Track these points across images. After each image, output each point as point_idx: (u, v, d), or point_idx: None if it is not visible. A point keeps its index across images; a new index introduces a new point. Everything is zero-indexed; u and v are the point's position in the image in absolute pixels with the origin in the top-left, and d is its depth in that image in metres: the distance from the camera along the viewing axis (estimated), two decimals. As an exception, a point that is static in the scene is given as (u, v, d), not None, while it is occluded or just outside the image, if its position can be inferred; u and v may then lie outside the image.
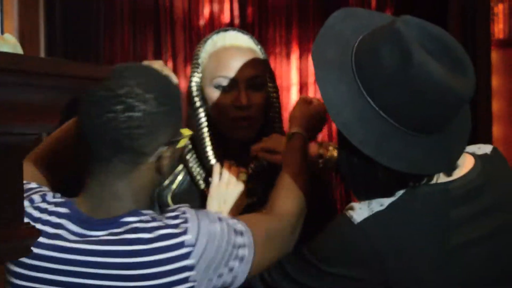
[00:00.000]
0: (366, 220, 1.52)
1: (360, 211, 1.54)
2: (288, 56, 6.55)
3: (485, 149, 1.71)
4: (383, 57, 1.45)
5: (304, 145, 1.90)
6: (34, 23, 5.42)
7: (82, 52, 6.00)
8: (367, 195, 1.56)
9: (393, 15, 1.72)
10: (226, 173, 2.02)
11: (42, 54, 5.50)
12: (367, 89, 1.48)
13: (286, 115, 6.13)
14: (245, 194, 2.04)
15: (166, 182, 2.13)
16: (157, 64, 1.97)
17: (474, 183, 1.59)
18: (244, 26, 6.28)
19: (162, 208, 2.10)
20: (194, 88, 2.12)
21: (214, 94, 2.06)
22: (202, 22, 6.37)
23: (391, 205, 1.53)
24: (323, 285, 1.59)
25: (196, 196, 2.13)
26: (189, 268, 1.48)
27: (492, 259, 1.58)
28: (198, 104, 2.11)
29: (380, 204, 1.53)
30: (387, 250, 1.50)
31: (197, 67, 2.12)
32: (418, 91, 1.42)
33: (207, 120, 2.10)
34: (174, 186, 2.14)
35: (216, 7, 6.36)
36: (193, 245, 1.47)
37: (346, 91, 1.50)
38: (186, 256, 1.47)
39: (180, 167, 2.17)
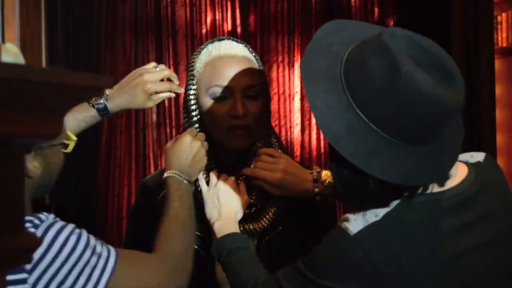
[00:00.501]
0: (361, 231, 1.51)
1: (355, 222, 1.53)
2: (290, 64, 6.57)
3: (477, 157, 1.71)
4: (371, 70, 1.45)
5: (179, 187, 1.94)
6: (36, 32, 5.43)
7: (83, 61, 6.01)
8: (361, 207, 1.56)
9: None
10: (213, 178, 2.03)
11: (44, 63, 5.51)
12: (356, 101, 1.48)
13: (288, 123, 6.13)
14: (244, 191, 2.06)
15: (163, 193, 2.13)
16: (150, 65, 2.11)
17: (467, 193, 1.59)
18: (246, 35, 6.30)
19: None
20: (190, 97, 2.12)
21: (209, 104, 2.06)
22: (204, 30, 6.39)
23: (386, 215, 1.53)
24: None
25: (195, 205, 2.13)
26: (24, 270, 1.49)
27: (489, 268, 1.58)
28: (194, 113, 2.11)
29: (375, 215, 1.53)
30: (384, 261, 1.50)
31: (193, 78, 2.12)
32: (407, 103, 1.42)
33: (203, 129, 2.10)
34: None
35: (218, 16, 6.38)
36: None
37: (335, 103, 1.49)
38: None
39: None
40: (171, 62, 6.36)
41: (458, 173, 1.62)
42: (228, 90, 2.03)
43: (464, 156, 1.70)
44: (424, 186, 1.55)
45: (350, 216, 1.55)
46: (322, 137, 6.50)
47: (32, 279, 1.51)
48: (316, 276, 1.57)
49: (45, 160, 1.65)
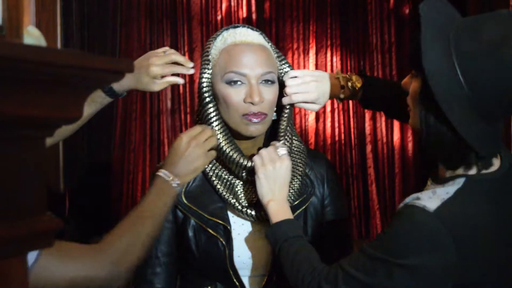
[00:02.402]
0: (440, 207, 1.59)
1: (430, 200, 1.61)
2: (305, 51, 6.56)
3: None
4: (484, 31, 1.57)
5: (160, 185, 1.97)
6: (51, 18, 5.43)
7: (98, 47, 6.03)
8: (434, 157, 1.72)
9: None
10: (265, 152, 2.05)
11: (59, 48, 5.52)
12: (458, 53, 1.59)
13: (303, 111, 6.13)
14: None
15: None
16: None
17: (506, 178, 1.70)
18: (261, 22, 6.29)
19: (176, 206, 2.13)
20: (204, 84, 2.12)
21: (225, 90, 2.06)
22: (219, 17, 6.38)
23: (457, 191, 1.63)
24: (393, 281, 1.63)
25: (209, 192, 2.13)
26: None
27: None
28: (208, 99, 2.12)
29: (446, 192, 1.62)
30: (462, 234, 1.57)
31: (208, 63, 2.12)
32: (504, 74, 1.54)
33: (218, 116, 2.11)
34: (186, 185, 2.15)
35: (233, 2, 6.38)
36: None
37: (439, 46, 1.61)
38: None
39: None
40: (185, 49, 6.36)
41: (496, 160, 1.73)
42: (243, 77, 2.03)
43: None
44: (486, 162, 1.68)
45: (421, 195, 1.63)
46: (336, 125, 6.49)
47: None
48: (394, 256, 1.62)
49: None
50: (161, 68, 2.12)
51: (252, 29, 2.15)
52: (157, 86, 2.13)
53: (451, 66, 1.58)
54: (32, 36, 1.02)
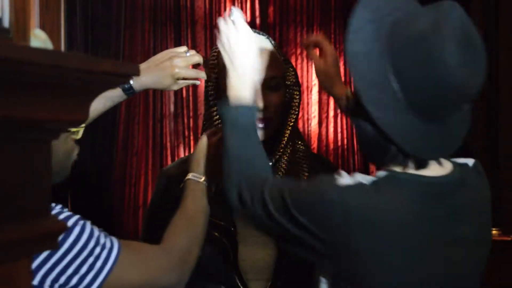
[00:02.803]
0: (348, 186, 1.54)
1: (346, 177, 1.57)
2: (308, 56, 6.54)
3: (466, 161, 1.73)
4: (418, 21, 1.52)
5: (194, 187, 1.95)
6: (55, 21, 5.44)
7: (102, 50, 6.03)
8: (366, 154, 1.70)
9: None
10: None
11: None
12: (390, 40, 1.54)
13: (305, 115, 6.13)
14: None
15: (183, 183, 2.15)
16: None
17: (450, 187, 1.62)
18: (265, 26, 6.30)
19: None
20: (210, 88, 2.12)
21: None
22: (222, 21, 6.37)
23: (374, 183, 1.56)
24: (291, 228, 1.60)
25: (216, 194, 2.13)
26: None
27: (449, 265, 1.60)
28: (212, 103, 2.12)
29: (365, 179, 1.56)
30: (359, 221, 1.52)
31: (214, 68, 2.12)
32: (429, 64, 1.48)
33: None
34: None
35: (237, 7, 6.36)
36: None
37: (371, 29, 1.57)
38: None
39: None
40: (189, 52, 6.36)
41: (445, 166, 1.65)
42: None
43: (454, 159, 1.72)
44: (405, 160, 1.59)
45: (344, 173, 1.59)
46: (339, 130, 6.49)
47: (34, 265, 1.53)
48: (298, 211, 1.58)
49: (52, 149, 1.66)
50: (185, 71, 2.08)
51: (258, 33, 2.15)
52: (177, 86, 2.12)
53: (380, 54, 1.54)
54: (39, 39, 1.02)
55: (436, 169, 1.62)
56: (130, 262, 1.66)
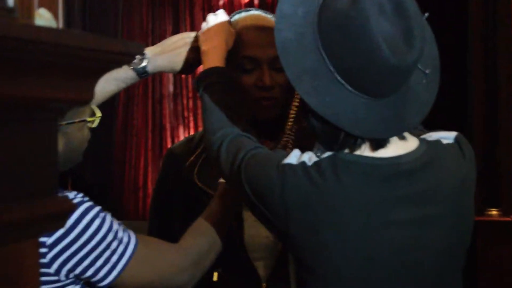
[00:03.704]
0: (290, 165, 1.50)
1: (292, 156, 1.52)
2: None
3: (441, 135, 1.64)
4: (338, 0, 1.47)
5: (224, 191, 1.94)
6: (53, 2, 5.42)
7: (100, 33, 6.01)
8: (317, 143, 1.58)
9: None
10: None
11: (62, 33, 5.52)
12: (319, 20, 1.49)
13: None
14: None
15: (190, 160, 2.15)
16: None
17: (406, 166, 1.53)
18: (263, 6, 6.28)
19: (187, 186, 2.13)
20: None
21: (236, 75, 2.06)
22: (221, 2, 6.37)
23: (315, 163, 1.50)
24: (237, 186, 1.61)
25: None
26: (44, 244, 1.55)
27: (406, 248, 1.53)
28: None
29: (309, 158, 1.51)
30: (295, 202, 1.49)
31: None
32: (354, 38, 1.43)
33: None
34: (198, 163, 2.15)
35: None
36: None
37: (301, 15, 1.51)
38: None
39: (202, 146, 2.18)
40: (188, 34, 6.35)
41: (404, 146, 1.56)
42: (255, 61, 2.03)
43: (431, 134, 1.63)
44: (350, 144, 1.51)
45: (295, 150, 1.54)
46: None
47: (51, 254, 1.56)
48: (245, 179, 1.57)
49: (66, 136, 1.69)
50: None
51: (265, 12, 2.14)
52: (190, 71, 2.13)
53: (312, 38, 1.49)
54: (44, 18, 1.01)
55: (395, 150, 1.54)
56: (145, 259, 1.68)
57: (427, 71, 1.52)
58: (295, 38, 1.50)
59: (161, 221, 2.23)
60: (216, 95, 1.81)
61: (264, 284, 2.08)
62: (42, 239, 1.53)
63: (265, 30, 2.06)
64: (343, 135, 1.49)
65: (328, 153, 1.51)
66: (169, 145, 6.38)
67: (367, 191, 1.50)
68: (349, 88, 1.47)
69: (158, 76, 6.23)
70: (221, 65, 1.90)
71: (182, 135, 6.27)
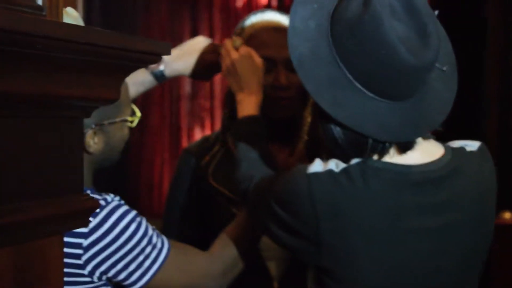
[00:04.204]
0: (316, 173, 1.48)
1: (316, 164, 1.51)
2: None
3: (467, 144, 1.63)
4: (351, 3, 1.45)
5: None
6: (73, 1, 5.44)
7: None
8: (332, 154, 1.54)
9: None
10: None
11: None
12: (332, 31, 1.47)
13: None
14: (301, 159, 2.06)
15: (205, 159, 2.17)
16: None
17: (434, 174, 1.52)
18: (282, 8, 6.27)
19: (202, 185, 2.14)
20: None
21: None
22: (239, 3, 6.36)
23: (344, 170, 1.48)
24: (271, 221, 1.58)
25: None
26: (80, 246, 1.56)
27: (430, 256, 1.53)
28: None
29: (336, 165, 1.49)
30: (325, 211, 1.47)
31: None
32: (369, 43, 1.41)
33: None
34: (214, 163, 2.16)
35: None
36: (91, 228, 1.56)
37: (314, 28, 1.49)
38: (81, 234, 1.56)
39: (219, 144, 2.19)
40: (206, 34, 6.35)
41: (431, 153, 1.56)
42: (271, 61, 2.03)
43: (455, 143, 1.62)
44: (383, 149, 1.49)
45: (317, 160, 1.53)
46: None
47: (86, 256, 1.57)
48: (273, 198, 1.56)
49: (107, 135, 1.71)
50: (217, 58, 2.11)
51: (280, 13, 2.15)
52: (208, 76, 2.15)
53: (327, 49, 1.47)
54: (71, 17, 1.02)
55: (422, 157, 1.54)
56: (177, 265, 1.69)
57: (444, 68, 1.51)
58: (310, 52, 1.48)
59: (175, 220, 2.23)
60: (251, 144, 1.84)
61: (276, 284, 2.08)
62: (78, 241, 1.55)
63: (280, 31, 2.06)
64: (370, 142, 1.48)
65: (356, 160, 1.50)
66: (184, 145, 6.39)
67: (395, 198, 1.50)
68: (371, 94, 1.46)
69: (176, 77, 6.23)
70: (256, 112, 1.92)
71: (198, 135, 6.27)
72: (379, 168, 1.49)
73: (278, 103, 2.05)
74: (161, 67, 2.00)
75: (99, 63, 0.94)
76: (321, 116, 1.51)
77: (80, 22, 1.04)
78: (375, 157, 1.50)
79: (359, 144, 1.48)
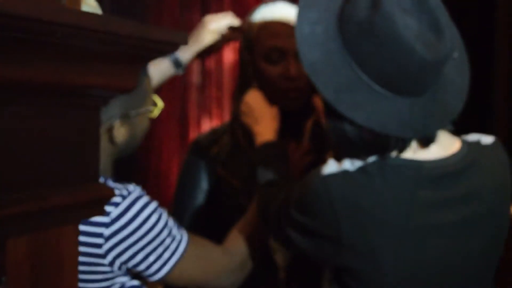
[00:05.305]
0: (332, 174, 1.48)
1: (330, 165, 1.50)
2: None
3: (482, 138, 1.63)
4: (358, 4, 1.43)
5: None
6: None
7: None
8: (342, 154, 1.54)
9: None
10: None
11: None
12: (342, 33, 1.46)
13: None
14: (304, 153, 2.06)
15: (215, 150, 2.17)
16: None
17: (452, 168, 1.52)
18: (290, 1, 6.26)
19: (211, 176, 2.15)
20: (245, 60, 2.12)
21: (263, 66, 2.06)
22: (249, -6, 6.35)
23: (360, 168, 1.48)
24: (291, 229, 1.58)
25: (244, 164, 2.14)
26: (102, 235, 1.56)
27: (449, 250, 1.53)
28: (251, 76, 2.12)
29: (352, 164, 1.49)
30: (344, 210, 1.47)
31: (247, 40, 2.13)
32: (382, 41, 1.40)
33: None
34: (223, 154, 2.17)
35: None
36: (113, 218, 1.56)
37: (321, 33, 1.48)
38: (102, 224, 1.56)
39: (228, 136, 2.19)
40: (215, 25, 6.34)
41: (449, 147, 1.56)
42: (281, 52, 2.03)
43: (470, 136, 1.62)
44: (401, 147, 1.49)
45: (331, 160, 1.53)
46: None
47: (107, 245, 1.57)
48: (292, 206, 1.57)
49: (132, 126, 1.71)
50: (218, 22, 2.18)
51: (291, 4, 2.14)
52: (216, 39, 2.17)
53: (339, 52, 1.46)
54: (90, 5, 1.02)
55: (440, 151, 1.53)
56: (195, 258, 1.70)
57: (454, 56, 1.50)
58: (322, 58, 1.47)
59: (185, 210, 2.24)
60: (270, 167, 1.86)
61: (282, 274, 2.09)
62: (100, 230, 1.55)
63: (291, 22, 2.06)
64: (393, 141, 1.47)
65: (372, 158, 1.49)
66: (193, 136, 6.39)
67: (415, 193, 1.49)
68: (389, 93, 1.45)
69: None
70: (275, 138, 1.94)
71: (206, 126, 6.27)
72: (398, 165, 1.49)
73: (287, 95, 2.05)
74: (175, 54, 2.06)
75: (118, 52, 0.94)
76: (333, 118, 1.50)
77: (98, 11, 1.04)
78: (394, 154, 1.49)
79: (379, 144, 1.48)
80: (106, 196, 1.02)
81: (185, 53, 2.12)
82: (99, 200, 1.01)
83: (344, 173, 1.48)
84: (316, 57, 1.47)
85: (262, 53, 2.05)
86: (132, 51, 0.96)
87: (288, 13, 2.10)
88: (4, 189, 0.85)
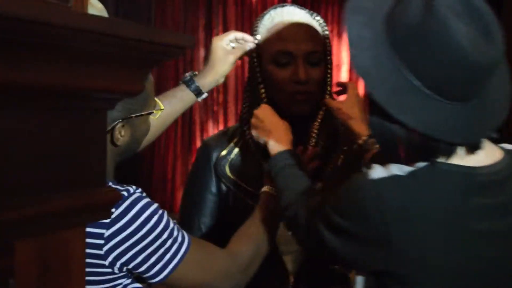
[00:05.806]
0: (381, 179, 1.48)
1: (379, 169, 1.50)
2: (339, 35, 6.53)
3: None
4: (408, 7, 1.43)
5: (275, 205, 1.93)
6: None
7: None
8: (389, 159, 1.53)
9: None
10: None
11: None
12: (391, 37, 1.47)
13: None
14: (312, 157, 2.06)
15: (223, 153, 2.17)
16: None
17: (498, 176, 1.53)
18: (296, 4, 6.26)
19: (220, 178, 2.15)
20: (254, 63, 2.13)
21: (272, 69, 2.06)
22: (254, -3, 6.36)
23: (411, 174, 1.48)
24: (330, 234, 1.58)
25: (253, 166, 2.14)
26: (102, 236, 1.56)
27: (495, 258, 1.53)
28: (259, 80, 2.12)
29: (400, 169, 1.49)
30: (393, 215, 1.47)
31: (256, 43, 2.13)
32: (436, 46, 1.40)
33: (266, 95, 2.11)
34: (231, 156, 2.17)
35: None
36: (113, 219, 1.56)
37: (369, 36, 1.49)
38: (102, 225, 1.56)
39: (237, 138, 2.20)
40: (220, 28, 6.36)
41: (494, 154, 1.57)
42: (290, 56, 2.03)
43: (506, 145, 1.63)
44: (449, 152, 1.49)
45: (377, 165, 1.52)
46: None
47: (107, 246, 1.57)
48: (332, 210, 1.56)
49: (133, 128, 1.72)
50: (227, 36, 2.19)
51: (299, 7, 2.15)
52: (232, 56, 2.19)
53: (388, 57, 1.47)
54: (96, 8, 1.02)
55: (485, 158, 1.54)
56: (197, 260, 1.70)
57: None
58: (372, 62, 1.48)
59: (193, 212, 2.24)
60: (288, 174, 1.88)
61: (292, 278, 2.09)
62: (100, 231, 1.55)
63: (300, 25, 2.06)
64: (442, 145, 1.47)
65: (422, 163, 1.50)
66: (198, 139, 6.40)
67: (464, 200, 1.49)
68: (439, 98, 1.44)
69: (189, 69, 6.24)
70: (289, 147, 1.96)
71: (211, 129, 6.28)
72: (447, 171, 1.49)
73: (296, 98, 2.05)
74: (187, 75, 2.16)
75: (124, 55, 0.94)
76: (382, 121, 1.50)
77: (105, 14, 1.04)
78: (442, 159, 1.50)
79: (429, 148, 1.48)
80: (113, 199, 1.02)
81: (201, 75, 2.17)
82: (106, 204, 1.01)
83: (394, 178, 1.48)
84: (366, 61, 1.48)
85: (271, 56, 2.05)
86: (139, 54, 0.96)
87: (296, 16, 2.10)
88: (12, 192, 0.85)
